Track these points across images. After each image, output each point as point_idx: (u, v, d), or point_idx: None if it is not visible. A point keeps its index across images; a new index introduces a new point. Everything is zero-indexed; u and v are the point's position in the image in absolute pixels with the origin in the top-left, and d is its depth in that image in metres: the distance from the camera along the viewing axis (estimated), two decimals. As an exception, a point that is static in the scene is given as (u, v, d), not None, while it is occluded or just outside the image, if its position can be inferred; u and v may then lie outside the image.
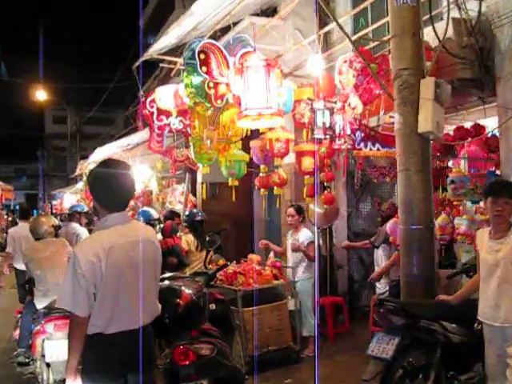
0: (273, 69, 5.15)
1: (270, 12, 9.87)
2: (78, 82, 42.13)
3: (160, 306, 3.35)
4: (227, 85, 5.80)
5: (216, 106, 5.95)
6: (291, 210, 7.37)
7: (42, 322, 5.37)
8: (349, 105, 6.10)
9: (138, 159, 12.96)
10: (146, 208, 9.27)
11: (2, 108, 37.55)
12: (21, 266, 13.29)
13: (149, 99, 6.70)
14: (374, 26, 6.67)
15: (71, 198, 29.33)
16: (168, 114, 6.70)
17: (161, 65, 9.01)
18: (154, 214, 8.40)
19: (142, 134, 13.17)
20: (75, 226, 8.27)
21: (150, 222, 7.97)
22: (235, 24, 9.14)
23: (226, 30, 8.25)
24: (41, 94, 32.17)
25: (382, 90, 5.61)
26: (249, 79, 5.13)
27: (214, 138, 5.98)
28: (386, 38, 5.92)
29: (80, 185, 21.90)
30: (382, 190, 9.44)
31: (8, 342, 7.51)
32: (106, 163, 3.31)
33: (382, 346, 3.98)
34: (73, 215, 8.49)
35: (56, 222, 6.69)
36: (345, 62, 5.72)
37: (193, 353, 3.86)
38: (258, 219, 12.31)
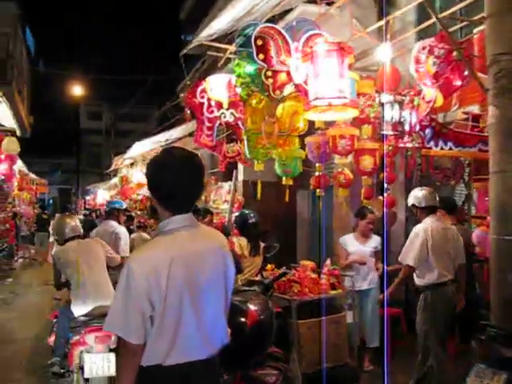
0: (346, 54, 4.53)
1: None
2: (114, 78, 42.08)
3: (229, 330, 2.71)
4: (287, 73, 5.23)
5: (274, 97, 5.39)
6: (372, 216, 6.77)
7: (82, 331, 4.86)
8: (423, 98, 5.44)
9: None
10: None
11: (38, 103, 37.56)
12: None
13: (199, 88, 6.14)
14: (462, 4, 5.91)
15: (104, 193, 29.27)
16: (219, 106, 6.14)
17: (208, 53, 8.46)
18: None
19: (181, 129, 12.75)
20: (113, 224, 7.70)
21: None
22: (286, 13, 8.59)
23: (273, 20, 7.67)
24: (76, 89, 32.28)
25: (464, 81, 4.95)
26: (318, 65, 4.53)
27: (275, 131, 5.40)
28: (477, 18, 5.21)
29: (114, 180, 21.62)
30: (442, 194, 8.72)
31: (41, 348, 7.09)
32: (170, 151, 2.68)
33: (485, 382, 3.31)
34: (111, 212, 7.88)
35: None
36: (423, 48, 5.05)
37: (257, 381, 3.27)
38: (301, 221, 11.73)
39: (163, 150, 2.72)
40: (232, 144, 6.69)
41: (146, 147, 13.66)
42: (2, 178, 9.48)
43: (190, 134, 11.77)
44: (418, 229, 5.70)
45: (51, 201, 46.76)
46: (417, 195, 5.82)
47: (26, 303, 11.87)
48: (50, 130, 41.90)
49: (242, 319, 3.39)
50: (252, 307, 3.50)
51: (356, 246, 6.84)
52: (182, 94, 16.64)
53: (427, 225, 5.66)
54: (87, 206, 36.16)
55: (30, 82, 37.45)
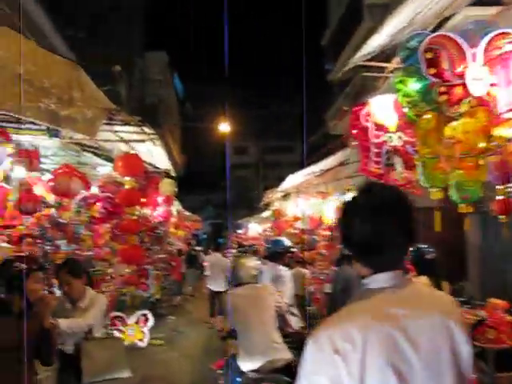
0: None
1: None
2: (258, 112, 43.06)
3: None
4: (463, 86, 4.48)
5: (450, 116, 4.66)
6: None
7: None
8: None
9: (331, 185, 11.93)
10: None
11: (187, 143, 39.32)
12: (215, 287, 13.50)
13: (364, 111, 5.56)
14: None
15: (257, 227, 29.48)
16: (385, 129, 5.50)
17: (363, 74, 7.85)
18: (286, 242, 7.59)
19: (333, 159, 12.23)
20: (279, 266, 7.02)
21: (278, 251, 7.24)
22: (446, 20, 7.80)
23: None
24: (222, 127, 33.17)
25: None
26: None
27: (456, 153, 4.64)
28: None
29: (266, 214, 21.54)
30: None
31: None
32: (367, 190, 2.06)
33: None
34: (274, 254, 7.22)
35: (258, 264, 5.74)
36: None
37: None
38: (473, 251, 10.56)
39: (362, 188, 2.10)
40: (400, 170, 6.00)
41: (298, 179, 13.27)
42: (160, 219, 9.59)
43: (342, 164, 11.23)
44: None
45: (205, 236, 48.27)
46: None
47: (189, 343, 11.84)
48: (199, 168, 43.54)
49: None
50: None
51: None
52: (333, 122, 16.33)
53: None
54: (240, 241, 36.77)
55: (179, 123, 39.63)
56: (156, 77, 28.11)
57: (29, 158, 5.64)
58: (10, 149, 5.76)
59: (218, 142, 42.01)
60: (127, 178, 6.44)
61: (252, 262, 5.48)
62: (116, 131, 7.29)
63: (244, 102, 39.34)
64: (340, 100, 17.49)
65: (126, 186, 6.47)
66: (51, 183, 5.36)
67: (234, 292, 5.31)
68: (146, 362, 9.07)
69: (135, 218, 6.48)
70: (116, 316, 6.76)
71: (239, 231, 40.96)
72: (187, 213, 24.23)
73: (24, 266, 3.47)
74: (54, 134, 6.52)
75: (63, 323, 4.15)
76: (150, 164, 8.95)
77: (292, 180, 13.98)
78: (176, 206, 15.38)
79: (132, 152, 6.57)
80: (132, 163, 6.33)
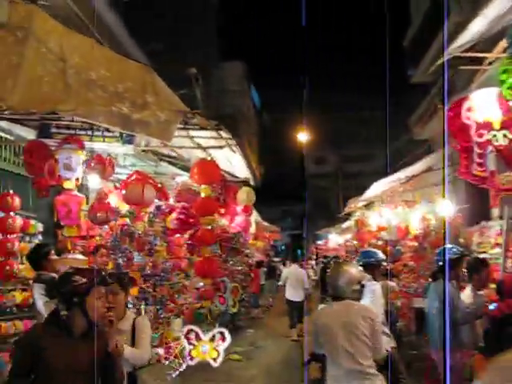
0: None
1: None
2: (338, 121, 42.29)
3: None
4: None
5: None
6: None
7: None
8: None
9: (417, 193, 11.21)
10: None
11: (265, 153, 39.17)
12: (293, 298, 13.42)
13: (464, 107, 4.92)
14: None
15: (337, 238, 28.75)
16: (488, 127, 4.85)
17: (462, 67, 7.16)
18: (380, 254, 6.73)
19: (420, 165, 11.51)
20: (372, 281, 6.37)
21: (371, 263, 6.51)
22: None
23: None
24: (301, 136, 32.75)
25: None
26: None
27: None
28: None
29: (348, 224, 20.81)
30: None
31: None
32: None
33: None
34: (366, 267, 6.42)
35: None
36: None
37: None
38: None
39: None
40: (507, 174, 5.31)
41: (382, 187, 12.59)
42: (239, 230, 9.23)
43: (428, 170, 10.54)
44: None
45: (283, 247, 47.89)
46: None
47: (268, 359, 11.39)
48: (277, 178, 43.22)
49: None
50: None
51: None
52: (417, 127, 15.53)
53: None
54: (320, 252, 36.14)
55: (257, 133, 39.49)
56: (233, 87, 28.05)
57: (103, 165, 5.39)
58: (83, 156, 5.56)
59: (296, 152, 41.65)
60: (203, 186, 6.08)
61: (356, 270, 4.57)
62: (192, 137, 6.98)
63: (322, 110, 38.69)
64: (424, 104, 16.61)
65: (203, 195, 6.12)
66: (123, 191, 5.08)
67: (325, 310, 4.74)
68: (222, 377, 8.68)
69: (211, 228, 6.10)
70: (191, 330, 6.39)
71: (319, 242, 40.30)
72: (266, 223, 23.87)
73: (83, 279, 3.09)
74: (127, 140, 6.29)
75: (127, 351, 3.76)
76: (228, 173, 8.61)
77: (375, 188, 13.31)
78: (254, 217, 15.05)
79: (209, 159, 6.22)
80: (209, 170, 5.98)
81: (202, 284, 6.30)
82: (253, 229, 12.03)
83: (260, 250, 20.10)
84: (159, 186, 5.32)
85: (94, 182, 5.69)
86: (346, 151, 45.36)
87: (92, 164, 5.37)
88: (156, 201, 6.22)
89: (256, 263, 18.38)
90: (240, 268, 13.47)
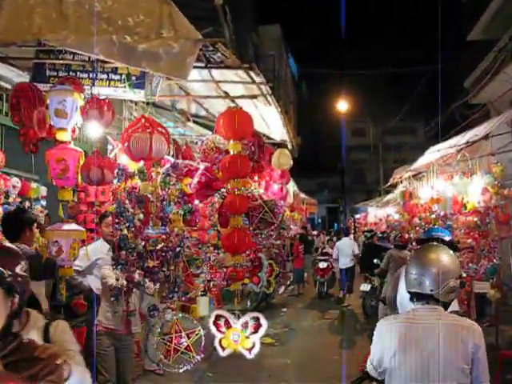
0: None
1: None
2: (379, 93, 40.52)
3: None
4: None
5: None
6: None
7: None
8: None
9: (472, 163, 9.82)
10: None
11: (303, 124, 37.75)
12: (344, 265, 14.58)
13: None
14: None
15: (377, 211, 27.41)
16: None
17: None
18: (446, 232, 5.30)
19: (473, 132, 10.19)
20: None
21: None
22: None
23: None
24: (341, 107, 31.48)
25: None
26: None
27: None
28: None
29: (391, 196, 19.47)
30: None
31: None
32: None
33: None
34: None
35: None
36: None
37: None
38: None
39: None
40: None
41: (434, 156, 11.24)
42: (274, 198, 8.02)
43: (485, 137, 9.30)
44: None
45: (320, 220, 46.82)
46: None
47: (303, 344, 10.28)
48: (315, 150, 41.84)
49: None
50: None
51: None
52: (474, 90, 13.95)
53: None
54: (358, 226, 34.87)
55: (295, 104, 37.99)
56: (270, 52, 26.59)
57: (99, 108, 4.25)
58: (81, 101, 4.43)
59: (335, 124, 40.24)
60: (233, 142, 4.91)
61: (454, 259, 3.07)
62: (218, 82, 5.78)
63: (362, 78, 36.99)
64: (483, 64, 14.98)
65: (232, 152, 4.94)
66: (125, 143, 3.95)
67: (399, 321, 2.97)
68: (250, 365, 7.45)
69: (241, 193, 4.94)
70: (219, 315, 5.29)
71: (357, 216, 39.13)
72: (303, 195, 22.65)
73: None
74: (137, 84, 5.13)
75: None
76: (263, 134, 7.37)
77: (427, 157, 11.95)
78: (292, 187, 13.84)
79: (237, 107, 5.02)
80: (239, 121, 4.78)
81: (231, 262, 5.18)
82: (290, 199, 10.83)
83: (297, 223, 18.87)
84: (167, 134, 4.13)
85: (94, 131, 4.57)
86: (387, 124, 43.59)
87: (86, 108, 4.22)
88: (171, 158, 5.07)
89: (298, 236, 17.50)
90: (278, 242, 12.32)
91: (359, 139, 50.27)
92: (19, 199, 6.40)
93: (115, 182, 4.51)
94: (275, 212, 7.52)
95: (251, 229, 7.37)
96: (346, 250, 15.13)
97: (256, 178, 7.22)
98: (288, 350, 9.65)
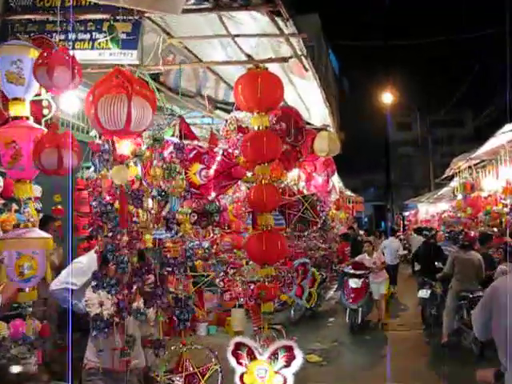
0: None
1: None
2: (425, 86, 38.71)
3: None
4: None
5: None
6: None
7: None
8: None
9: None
10: None
11: (347, 119, 36.16)
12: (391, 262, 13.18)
13: None
14: None
15: (429, 207, 25.75)
16: None
17: None
18: None
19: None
20: None
21: None
22: None
23: None
24: (385, 99, 30.12)
25: None
26: None
27: None
28: None
29: (445, 190, 17.83)
30: None
31: None
32: None
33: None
34: None
35: None
36: None
37: None
38: None
39: None
40: None
41: (500, 141, 9.68)
42: (316, 193, 6.60)
43: None
44: None
45: (366, 219, 45.08)
46: None
47: (356, 364, 8.72)
48: (359, 146, 40.20)
49: None
50: None
51: None
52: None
53: None
54: (408, 224, 33.20)
55: (337, 98, 36.35)
56: (309, 43, 25.15)
57: (62, 65, 2.97)
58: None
59: (379, 119, 38.55)
60: (255, 115, 3.61)
61: None
62: (235, 36, 4.44)
63: (407, 68, 35.26)
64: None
65: (255, 128, 3.63)
66: (91, 109, 2.67)
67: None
68: None
69: (269, 183, 3.61)
70: (240, 343, 4.00)
71: (406, 213, 37.39)
72: (349, 192, 21.09)
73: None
74: (126, 43, 3.82)
75: None
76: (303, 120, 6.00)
77: (491, 143, 10.37)
78: (338, 183, 12.43)
79: (261, 67, 3.71)
80: (262, 85, 3.49)
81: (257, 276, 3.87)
82: (336, 194, 9.44)
83: (343, 223, 17.41)
84: (153, 98, 2.81)
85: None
86: (432, 117, 41.60)
87: (39, 62, 2.94)
88: (175, 139, 3.78)
89: (342, 236, 16.03)
90: (324, 245, 10.98)
91: (404, 133, 48.61)
92: (2, 201, 5.23)
93: (92, 170, 3.26)
94: (317, 209, 6.16)
95: (289, 230, 6.02)
96: (392, 249, 14.83)
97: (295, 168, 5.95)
98: (339, 370, 8.19)
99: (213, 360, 4.02)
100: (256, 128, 3.67)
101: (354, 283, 10.93)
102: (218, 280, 5.21)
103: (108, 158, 3.14)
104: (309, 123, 7.58)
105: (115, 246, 3.30)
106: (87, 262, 4.05)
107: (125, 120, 2.67)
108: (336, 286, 14.54)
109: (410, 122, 47.82)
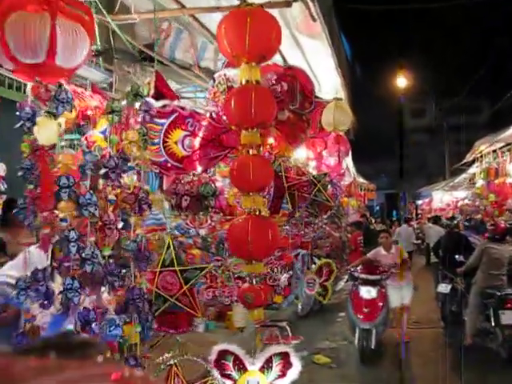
0: None
1: None
2: (440, 72, 37.83)
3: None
4: None
5: None
6: None
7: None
8: None
9: None
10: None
11: (359, 105, 35.23)
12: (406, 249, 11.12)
13: None
14: None
15: (445, 196, 24.83)
16: None
17: None
18: None
19: None
20: None
21: None
22: None
23: None
24: (399, 83, 29.59)
25: None
26: None
27: None
28: None
29: (462, 177, 16.92)
30: None
31: None
32: None
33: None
34: None
35: None
36: None
37: None
38: None
39: None
40: None
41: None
42: (327, 174, 5.71)
43: None
44: None
45: (378, 207, 44.36)
46: None
47: (369, 365, 7.74)
48: (371, 133, 39.34)
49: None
50: None
51: None
52: None
53: None
54: (422, 212, 32.36)
55: (349, 86, 35.48)
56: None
57: None
58: None
59: (392, 105, 37.66)
60: (242, 66, 2.75)
61: None
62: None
63: (422, 54, 34.31)
64: None
65: (243, 81, 2.77)
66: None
67: None
68: None
69: (260, 155, 2.75)
70: (225, 352, 3.22)
71: (419, 202, 36.59)
72: (362, 179, 20.21)
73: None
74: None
75: None
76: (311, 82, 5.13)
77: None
78: (351, 166, 11.56)
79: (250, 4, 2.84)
80: (252, 27, 2.63)
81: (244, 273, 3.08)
82: (348, 179, 8.57)
83: (355, 211, 16.50)
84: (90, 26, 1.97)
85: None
86: (447, 104, 40.67)
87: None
88: (151, 100, 2.91)
89: (355, 224, 14.75)
90: (337, 234, 10.13)
91: (418, 120, 47.79)
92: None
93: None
94: (330, 191, 5.29)
95: (297, 215, 5.20)
96: (406, 236, 15.72)
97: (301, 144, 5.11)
98: (350, 372, 7.37)
99: (210, 371, 3.20)
100: (244, 81, 2.79)
101: (366, 292, 8.05)
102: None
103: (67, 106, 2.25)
104: (317, 97, 6.74)
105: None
106: (36, 254, 3.24)
107: (45, 48, 1.79)
108: (347, 277, 13.64)
109: (424, 108, 46.98)
